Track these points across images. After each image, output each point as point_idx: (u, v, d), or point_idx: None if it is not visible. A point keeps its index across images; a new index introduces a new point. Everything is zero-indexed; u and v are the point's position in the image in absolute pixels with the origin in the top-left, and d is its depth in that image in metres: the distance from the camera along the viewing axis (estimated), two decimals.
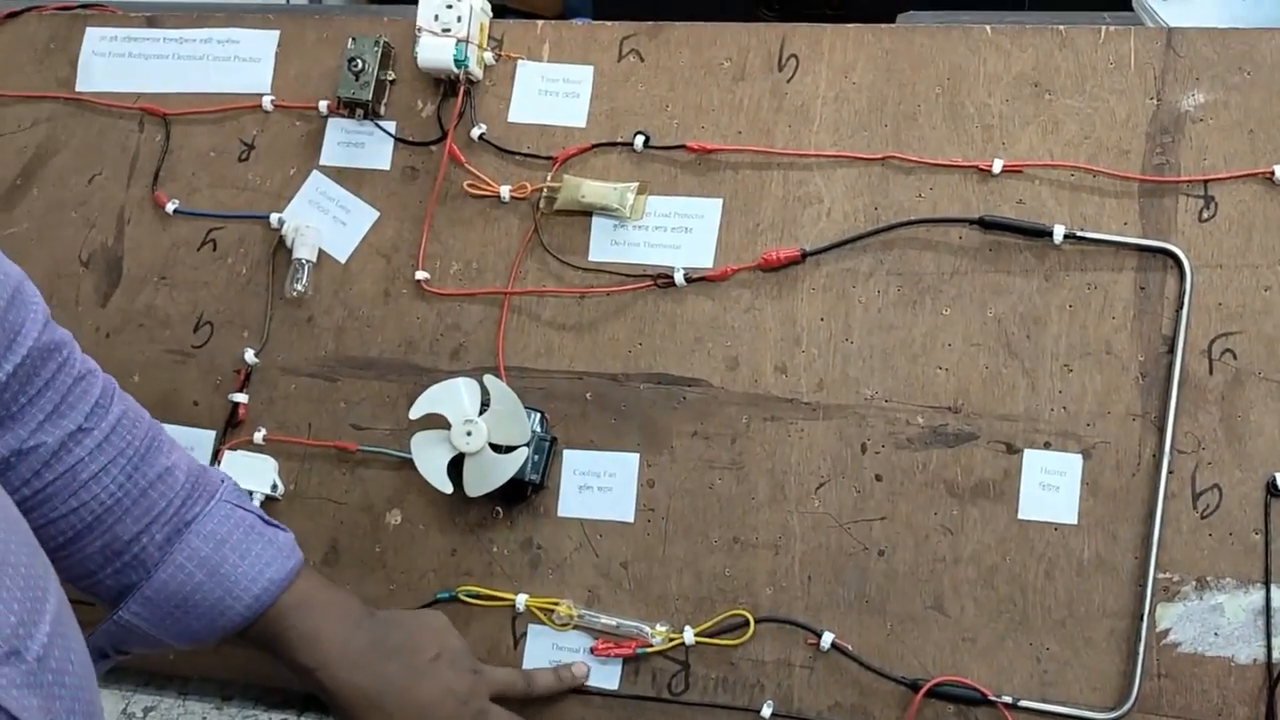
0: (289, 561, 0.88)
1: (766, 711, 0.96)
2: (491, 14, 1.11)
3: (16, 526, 0.65)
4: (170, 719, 1.08)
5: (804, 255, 1.01)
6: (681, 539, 1.01)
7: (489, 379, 1.00)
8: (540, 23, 1.12)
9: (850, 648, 0.96)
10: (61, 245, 1.15)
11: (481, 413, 0.99)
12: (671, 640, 0.99)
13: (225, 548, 0.84)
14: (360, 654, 0.88)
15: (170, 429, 1.08)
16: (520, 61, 1.10)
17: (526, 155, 1.08)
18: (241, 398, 1.09)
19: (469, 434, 0.98)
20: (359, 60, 1.09)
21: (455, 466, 1.00)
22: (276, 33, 1.16)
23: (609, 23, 1.10)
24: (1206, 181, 0.96)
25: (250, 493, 1.06)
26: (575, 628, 1.01)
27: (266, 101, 1.13)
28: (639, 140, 1.06)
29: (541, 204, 1.07)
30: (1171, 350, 0.94)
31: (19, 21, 1.22)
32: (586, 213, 1.06)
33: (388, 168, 1.11)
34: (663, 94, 1.07)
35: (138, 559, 0.82)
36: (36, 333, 0.79)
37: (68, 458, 0.80)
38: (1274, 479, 0.92)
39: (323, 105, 1.12)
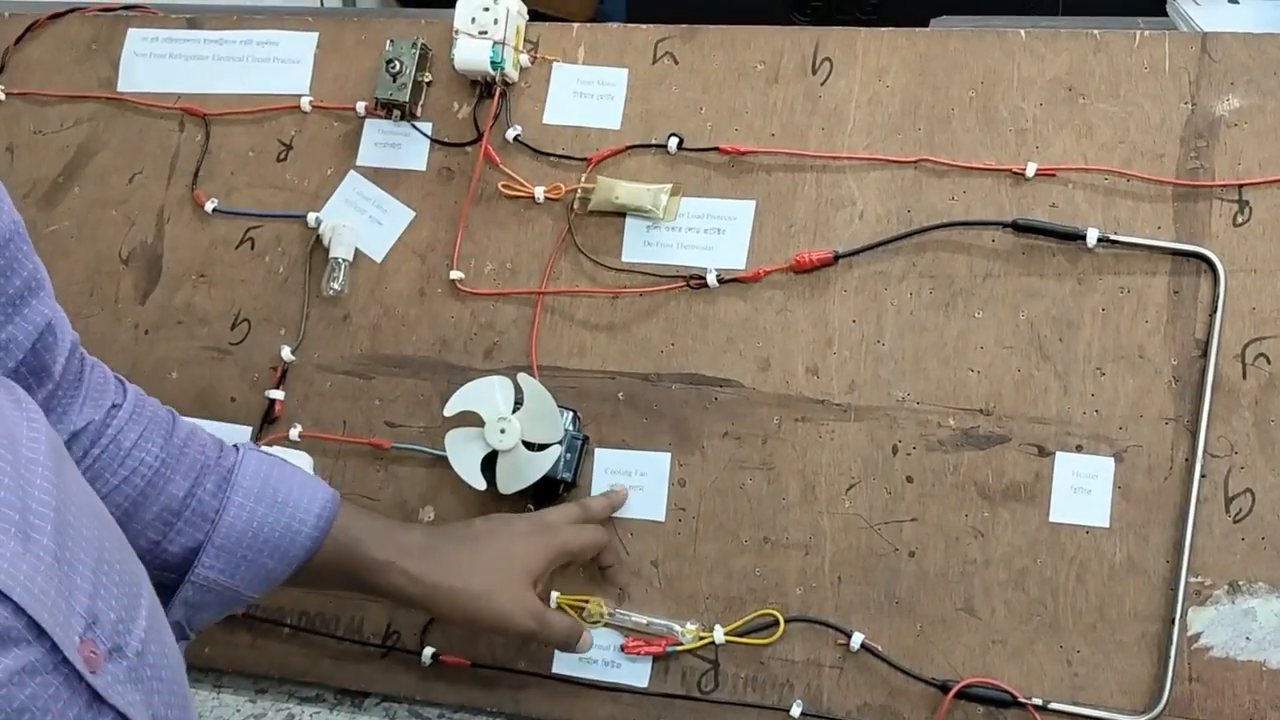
0: (327, 485, 0.89)
1: (796, 711, 0.97)
2: (528, 17, 1.12)
3: (110, 526, 0.67)
4: (204, 711, 1.09)
5: (836, 257, 1.01)
6: (712, 538, 1.01)
7: (522, 377, 1.01)
8: (575, 25, 1.12)
9: (880, 648, 0.96)
10: (102, 243, 1.17)
11: (515, 411, 1.00)
12: (701, 639, 0.99)
13: (273, 481, 0.85)
14: (426, 538, 0.92)
15: (207, 424, 1.10)
16: (555, 64, 1.11)
17: (561, 157, 1.09)
18: (278, 394, 1.10)
19: (502, 432, 0.99)
20: (397, 62, 1.10)
21: (488, 464, 1.00)
22: (315, 34, 1.17)
23: (644, 25, 1.11)
24: (1241, 186, 0.96)
25: None
26: (606, 625, 1.02)
27: (305, 102, 1.15)
28: (673, 142, 1.06)
29: (575, 205, 1.08)
30: (1205, 354, 0.94)
31: (62, 22, 1.23)
32: (620, 214, 1.07)
33: (424, 168, 1.12)
34: (696, 96, 1.08)
35: (196, 513, 0.83)
36: (69, 326, 0.80)
37: (109, 431, 0.81)
38: None
39: (360, 106, 1.13)
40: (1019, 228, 0.98)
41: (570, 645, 0.98)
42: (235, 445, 0.87)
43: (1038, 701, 0.93)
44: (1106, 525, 0.95)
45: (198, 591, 0.83)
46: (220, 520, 0.83)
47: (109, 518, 0.68)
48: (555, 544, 0.96)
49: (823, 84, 1.05)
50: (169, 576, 0.83)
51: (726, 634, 0.99)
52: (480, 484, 1.00)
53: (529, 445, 1.00)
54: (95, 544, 0.64)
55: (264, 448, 0.89)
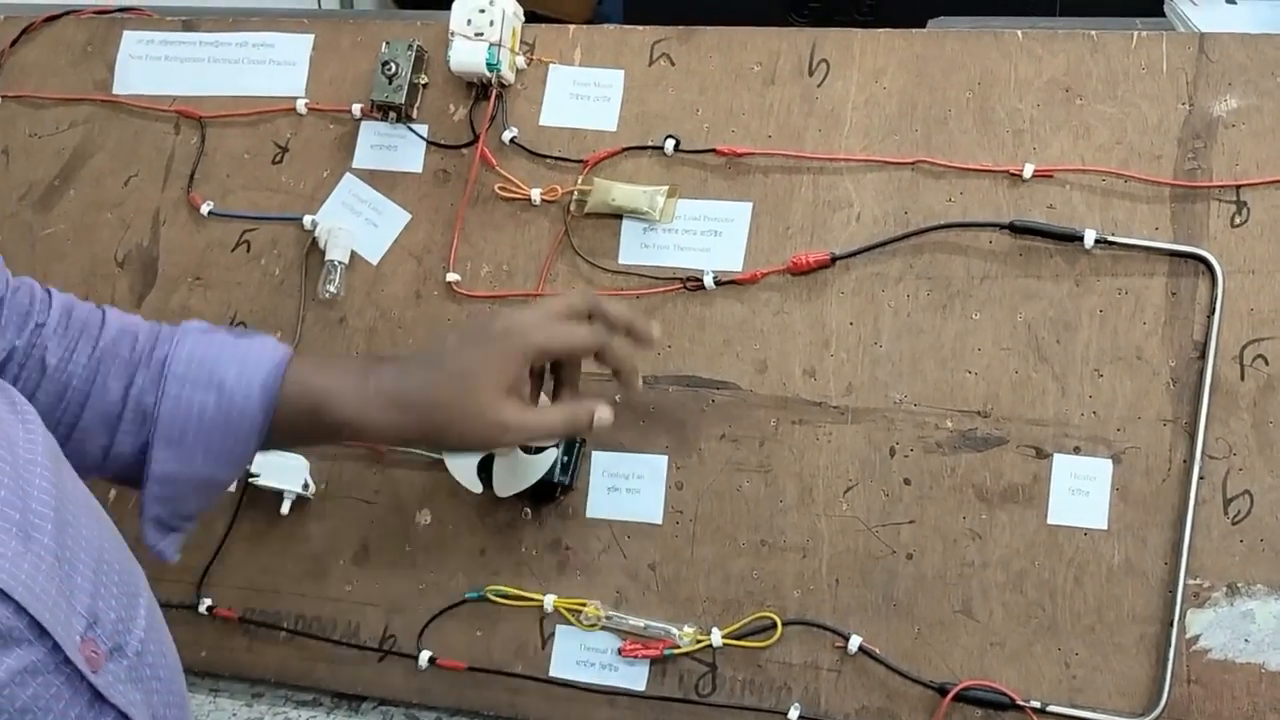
0: (279, 346, 0.84)
1: (794, 714, 0.96)
2: (524, 18, 1.11)
3: (108, 526, 0.67)
4: (201, 715, 1.09)
5: (833, 259, 1.01)
6: (709, 541, 1.01)
7: None
8: (572, 27, 1.12)
9: (878, 651, 0.96)
10: (98, 245, 1.17)
11: None
12: (699, 642, 0.99)
13: (209, 363, 0.82)
14: (390, 380, 0.83)
15: None
16: (552, 65, 1.11)
17: (557, 158, 1.09)
18: None
19: None
20: (392, 64, 1.10)
21: (485, 467, 1.00)
22: (311, 36, 1.17)
23: (640, 27, 1.10)
24: (1239, 187, 0.96)
25: (281, 491, 1.07)
26: (603, 628, 1.02)
27: (300, 105, 1.15)
28: (669, 144, 1.06)
29: (572, 207, 1.07)
30: (1203, 356, 0.94)
31: (57, 25, 1.23)
32: (616, 216, 1.07)
33: (420, 170, 1.12)
34: (693, 98, 1.07)
35: (135, 411, 0.81)
36: None
37: (35, 352, 0.80)
38: None
39: (356, 108, 1.13)
40: (1016, 229, 0.98)
41: (580, 430, 0.88)
42: (180, 330, 0.84)
43: (1036, 704, 0.93)
44: (1105, 527, 0.94)
45: (164, 486, 0.81)
46: (159, 414, 0.80)
47: (107, 518, 0.68)
48: (526, 345, 0.83)
49: (819, 85, 1.05)
50: (132, 476, 0.82)
51: (724, 637, 0.99)
52: (477, 487, 1.00)
53: (526, 448, 1.00)
54: (95, 544, 0.64)
55: (204, 332, 0.84)
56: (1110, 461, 0.95)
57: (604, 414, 0.87)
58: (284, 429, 0.83)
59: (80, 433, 0.81)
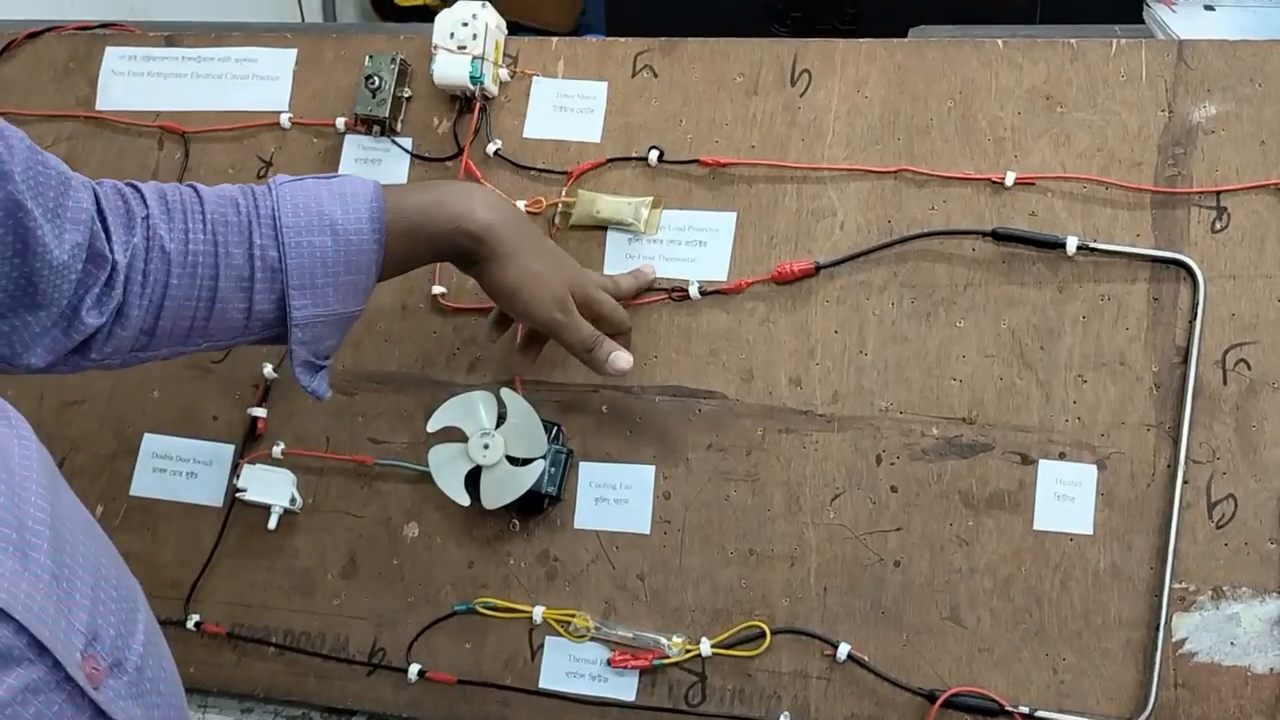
0: (365, 180, 0.89)
1: None
2: (507, 31, 1.12)
3: (103, 542, 0.68)
4: None
5: (818, 268, 1.02)
6: (697, 551, 1.01)
7: (505, 392, 1.01)
8: (555, 39, 1.13)
9: (867, 659, 0.96)
10: None
11: (498, 426, 1.00)
12: (688, 652, 0.99)
13: (315, 207, 0.85)
14: (491, 197, 0.92)
15: (190, 443, 1.10)
16: (535, 78, 1.11)
17: (541, 170, 1.09)
18: (260, 412, 1.10)
19: (486, 447, 0.99)
20: (376, 77, 1.10)
21: (472, 479, 1.00)
22: (294, 51, 1.17)
23: (623, 39, 1.11)
24: (1219, 193, 0.97)
25: (269, 506, 1.07)
26: (592, 639, 1.02)
27: (284, 119, 1.15)
28: (653, 155, 1.06)
29: (557, 219, 1.08)
30: (1185, 361, 0.95)
31: (39, 41, 1.23)
32: (601, 227, 1.07)
33: (404, 183, 1.12)
34: (676, 109, 1.08)
35: (263, 268, 0.84)
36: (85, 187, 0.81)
37: (153, 244, 0.82)
38: None
39: (340, 122, 1.13)
40: (999, 237, 0.98)
41: (596, 356, 0.96)
42: (267, 184, 0.87)
43: (1025, 710, 0.93)
44: (1090, 532, 0.95)
45: (306, 330, 0.86)
46: (287, 266, 0.84)
47: (101, 533, 0.68)
48: (592, 288, 0.97)
49: (802, 95, 1.06)
50: (278, 330, 0.87)
51: (713, 646, 0.99)
52: (464, 500, 1.00)
53: (513, 460, 1.00)
54: (91, 560, 0.64)
55: (294, 181, 0.88)
56: (1095, 467, 0.95)
57: (620, 359, 0.97)
58: (395, 251, 0.88)
59: (220, 303, 0.84)
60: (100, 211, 0.80)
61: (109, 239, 0.80)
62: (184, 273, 0.82)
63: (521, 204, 1.07)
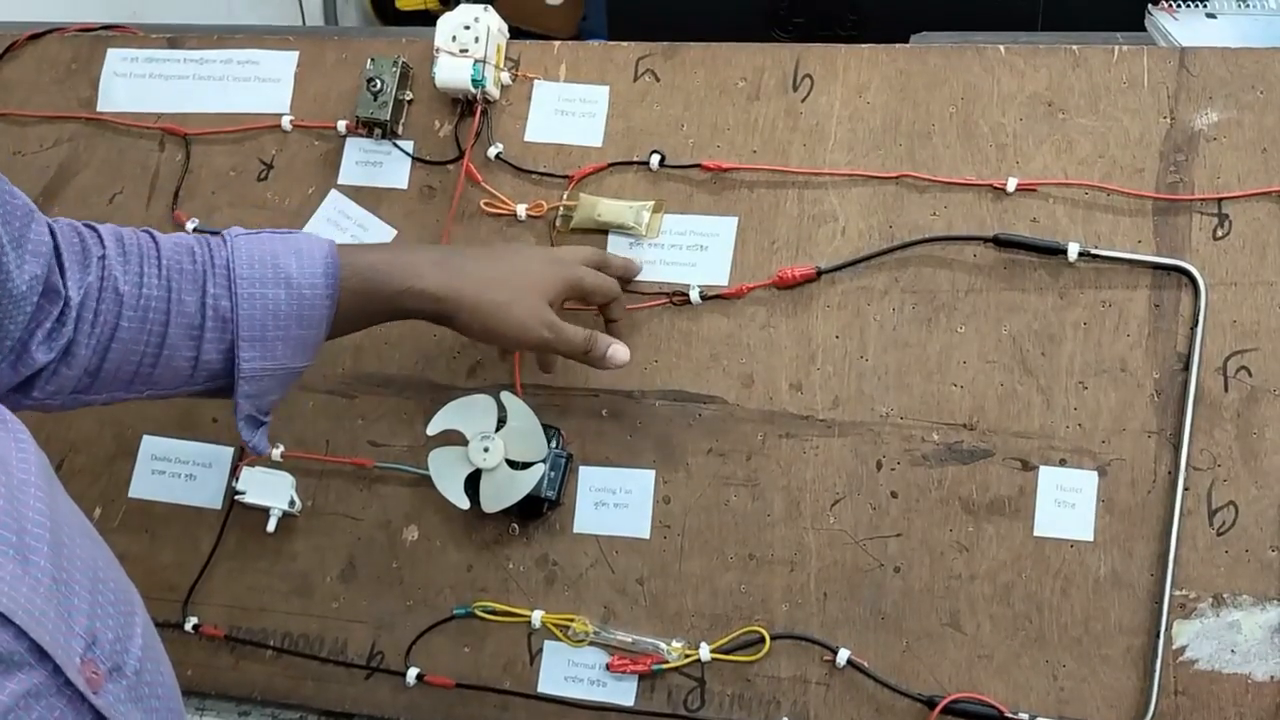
0: (320, 238, 0.89)
1: None
2: (509, 35, 1.12)
3: (101, 546, 0.67)
4: None
5: (819, 273, 1.01)
6: (697, 555, 1.01)
7: (506, 396, 1.01)
8: (557, 43, 1.12)
9: (866, 664, 0.96)
10: None
11: (498, 429, 1.00)
12: (687, 657, 0.99)
13: (270, 260, 0.85)
14: (438, 254, 0.93)
15: (189, 445, 1.10)
16: (537, 81, 1.11)
17: (543, 174, 1.09)
18: None
19: (486, 450, 0.99)
20: (378, 80, 1.10)
21: (472, 483, 1.00)
22: (296, 54, 1.17)
23: (625, 43, 1.11)
24: (1220, 200, 0.97)
25: (268, 509, 1.07)
26: (591, 644, 1.01)
27: (286, 121, 1.15)
28: (655, 159, 1.06)
29: (558, 222, 1.08)
30: (1186, 367, 0.95)
31: (41, 43, 1.23)
32: (603, 231, 1.07)
33: (405, 187, 1.12)
34: (678, 113, 1.08)
35: (215, 318, 0.84)
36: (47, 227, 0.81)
37: (107, 283, 0.81)
38: None
39: (341, 125, 1.13)
40: (1000, 243, 0.98)
41: (593, 355, 0.96)
42: (221, 235, 0.87)
43: (1024, 716, 0.93)
44: (1090, 539, 0.95)
45: (252, 384, 0.85)
46: (239, 316, 0.84)
47: (98, 536, 0.68)
48: (570, 275, 0.96)
49: (804, 100, 1.06)
50: (223, 381, 0.86)
51: (712, 651, 0.99)
52: (464, 503, 1.00)
53: (513, 464, 1.00)
54: (89, 564, 0.64)
55: (249, 234, 0.88)
56: (1096, 473, 0.95)
57: (618, 351, 0.97)
58: (347, 310, 0.88)
59: (168, 350, 0.83)
60: (56, 247, 0.80)
61: (63, 275, 0.79)
62: (135, 315, 0.81)
63: (522, 208, 1.07)
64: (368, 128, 1.12)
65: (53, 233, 0.80)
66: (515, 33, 1.13)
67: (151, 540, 1.11)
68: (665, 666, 0.99)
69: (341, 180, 1.13)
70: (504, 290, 0.91)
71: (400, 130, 1.13)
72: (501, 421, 1.00)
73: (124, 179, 1.17)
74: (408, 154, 1.12)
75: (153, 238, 0.85)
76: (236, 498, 1.07)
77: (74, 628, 0.60)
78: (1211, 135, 0.98)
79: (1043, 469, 0.96)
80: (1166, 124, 0.99)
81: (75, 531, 0.64)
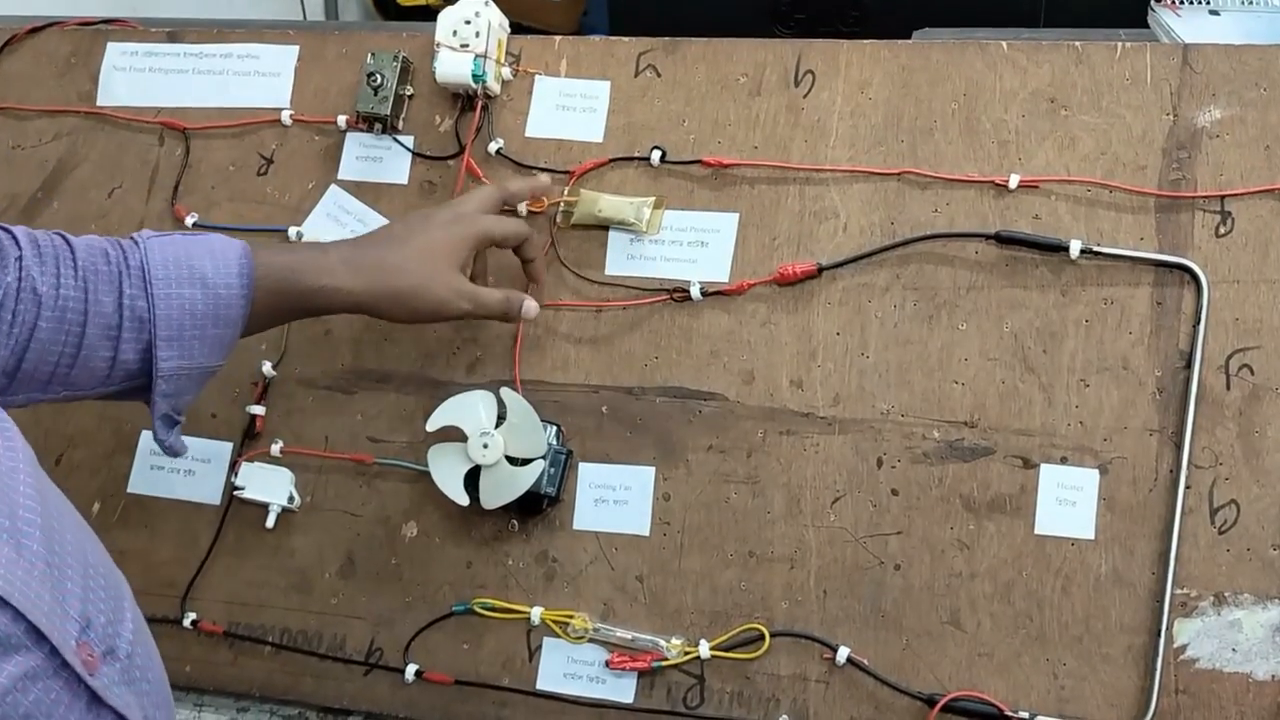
0: (232, 239, 0.90)
1: None
2: (509, 29, 1.11)
3: (89, 533, 0.68)
4: None
5: (820, 270, 1.01)
6: (697, 552, 1.01)
7: (505, 392, 1.01)
8: (558, 38, 1.12)
9: (866, 662, 0.96)
10: None
11: (498, 426, 1.00)
12: (687, 654, 0.99)
13: (185, 261, 0.86)
14: (349, 251, 0.93)
15: (188, 440, 1.09)
16: (538, 76, 1.11)
17: (544, 170, 1.08)
18: (259, 410, 1.10)
19: (485, 447, 0.98)
20: (378, 75, 1.10)
21: (471, 479, 1.00)
22: (296, 48, 1.16)
23: (626, 38, 1.10)
24: (1223, 197, 0.96)
25: (266, 505, 1.07)
26: (590, 641, 1.01)
27: (285, 116, 1.14)
28: (655, 155, 1.06)
29: (558, 218, 1.07)
30: (1188, 365, 0.94)
31: (41, 36, 1.23)
32: (603, 227, 1.06)
33: (405, 182, 1.12)
34: (679, 109, 1.07)
35: (131, 319, 0.84)
36: None
37: (25, 284, 0.81)
38: None
39: (341, 120, 1.13)
40: (1002, 240, 0.98)
41: (510, 315, 0.99)
42: (132, 238, 0.87)
43: (1025, 715, 0.93)
44: (1092, 537, 0.95)
45: (170, 383, 0.86)
46: (156, 316, 0.84)
47: (87, 526, 0.69)
48: (475, 230, 0.96)
49: (805, 96, 1.05)
50: (140, 381, 0.86)
51: (712, 649, 0.99)
52: (463, 500, 0.99)
53: (512, 460, 0.99)
54: (79, 550, 0.65)
55: (162, 236, 0.89)
56: (1097, 471, 0.95)
57: (530, 306, 0.99)
58: (261, 309, 0.90)
59: (86, 350, 0.83)
60: None
61: None
62: (53, 316, 0.81)
63: (523, 206, 1.07)
64: (368, 123, 1.12)
65: None
66: (516, 28, 1.13)
67: (150, 536, 1.11)
68: (665, 664, 0.99)
69: (342, 175, 1.13)
70: (414, 273, 0.92)
71: (401, 125, 1.12)
72: (501, 418, 1.00)
73: (123, 173, 1.17)
74: (408, 149, 1.12)
75: (65, 240, 0.85)
76: (235, 493, 1.07)
77: (69, 611, 0.61)
78: (1214, 132, 0.97)
79: (1044, 467, 0.96)
80: (1169, 121, 0.98)
81: (65, 519, 0.65)
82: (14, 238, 0.82)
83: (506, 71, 1.10)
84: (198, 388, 0.89)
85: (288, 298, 0.90)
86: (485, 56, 1.07)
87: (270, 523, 1.07)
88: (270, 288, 0.89)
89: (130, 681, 0.65)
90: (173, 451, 0.90)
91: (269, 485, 1.07)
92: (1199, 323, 0.94)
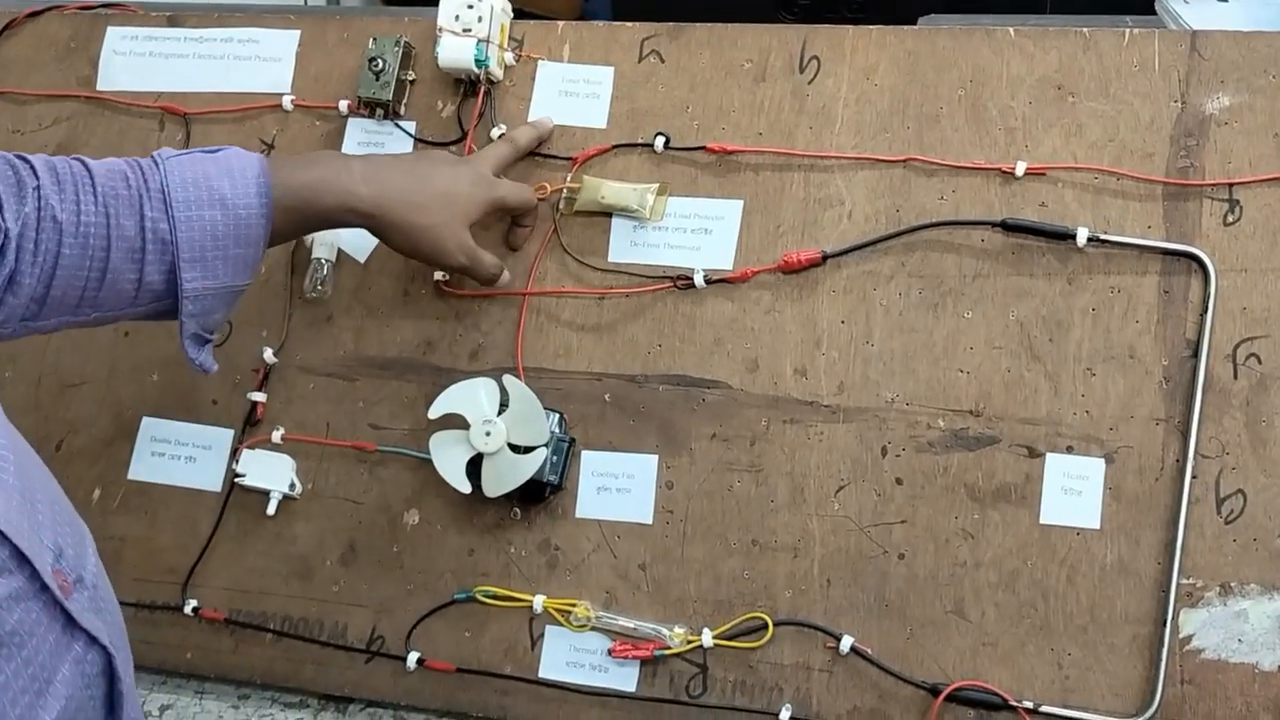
0: (251, 154, 0.91)
1: (785, 715, 0.96)
2: (512, 14, 1.10)
3: (50, 476, 0.72)
4: (186, 717, 1.08)
5: (825, 257, 1.01)
6: (700, 541, 1.00)
7: (508, 379, 1.00)
8: (561, 23, 1.11)
9: (870, 651, 0.96)
10: None
11: (500, 413, 0.99)
12: (690, 643, 0.98)
13: (204, 182, 0.87)
14: (368, 169, 0.95)
15: (189, 427, 1.09)
16: (541, 62, 1.10)
17: (546, 156, 1.08)
18: (260, 396, 1.09)
19: (488, 434, 0.98)
20: (380, 60, 1.09)
21: (473, 467, 0.99)
22: (297, 33, 1.16)
23: (630, 24, 1.10)
24: (1231, 185, 0.96)
25: (268, 492, 1.06)
26: (593, 629, 1.01)
27: (287, 101, 1.13)
28: (659, 141, 1.05)
29: (561, 205, 1.07)
30: (1195, 354, 0.94)
31: (40, 20, 1.22)
32: (606, 214, 1.06)
33: None
34: (683, 95, 1.07)
35: (154, 241, 0.85)
36: None
37: (45, 213, 0.82)
38: None
39: (343, 105, 1.12)
40: (1008, 227, 0.97)
41: (492, 283, 1.03)
42: (152, 158, 0.88)
43: (1029, 704, 0.92)
44: (1097, 527, 0.94)
45: (196, 303, 0.88)
46: (178, 239, 0.86)
47: (47, 470, 0.72)
48: (495, 196, 1.00)
49: (810, 82, 1.04)
50: (167, 302, 0.88)
51: (715, 637, 0.98)
52: (465, 487, 0.99)
53: (515, 448, 0.99)
54: (47, 487, 0.68)
55: (180, 155, 0.90)
56: (1103, 461, 0.95)
57: (506, 278, 1.04)
58: (281, 226, 0.91)
59: (111, 273, 0.85)
60: None
61: (1, 208, 0.81)
62: (76, 242, 0.83)
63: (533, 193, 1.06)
64: (369, 108, 1.11)
65: None
66: (519, 13, 1.12)
67: (151, 522, 1.10)
68: (668, 652, 0.99)
69: None
70: (430, 213, 0.95)
71: (402, 110, 1.12)
72: (504, 405, 1.00)
73: (124, 158, 1.16)
74: (410, 135, 1.11)
75: (85, 165, 0.86)
76: (236, 480, 1.07)
77: (43, 540, 0.64)
78: (1223, 120, 0.97)
79: (1049, 456, 0.95)
80: (1177, 108, 0.98)
81: (32, 459, 0.69)
82: (32, 167, 0.84)
83: (509, 56, 1.10)
84: (226, 306, 0.91)
85: (307, 215, 0.92)
86: (488, 41, 1.06)
87: (271, 510, 1.07)
88: (289, 206, 0.90)
89: (97, 610, 0.68)
90: (203, 368, 0.92)
91: (270, 472, 1.07)
92: (1206, 311, 0.94)
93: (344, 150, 1.12)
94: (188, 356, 0.91)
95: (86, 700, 0.66)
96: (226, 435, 1.10)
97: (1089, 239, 0.95)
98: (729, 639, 0.98)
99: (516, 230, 1.06)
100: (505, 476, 0.99)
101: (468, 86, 1.10)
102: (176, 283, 0.86)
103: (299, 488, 1.07)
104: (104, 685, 0.68)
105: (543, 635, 1.02)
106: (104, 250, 0.84)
